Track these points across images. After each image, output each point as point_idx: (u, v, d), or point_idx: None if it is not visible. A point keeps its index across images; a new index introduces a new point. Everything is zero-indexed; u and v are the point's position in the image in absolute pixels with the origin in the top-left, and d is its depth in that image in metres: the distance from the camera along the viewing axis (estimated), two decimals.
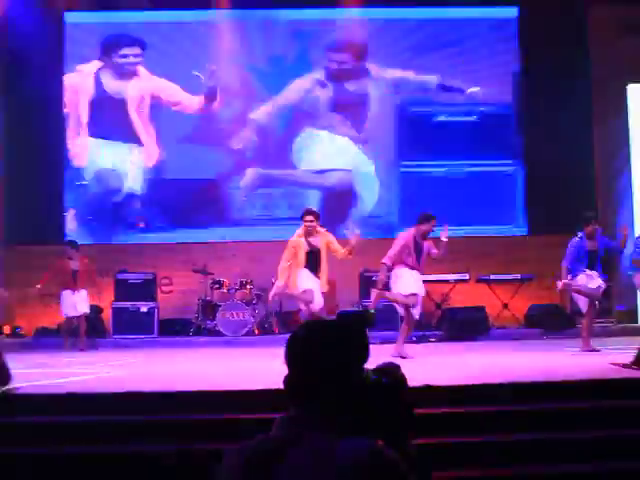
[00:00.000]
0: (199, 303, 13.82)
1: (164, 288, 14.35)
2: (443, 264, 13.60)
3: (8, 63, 14.98)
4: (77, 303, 12.12)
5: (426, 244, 10.11)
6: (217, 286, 13.75)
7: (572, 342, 11.14)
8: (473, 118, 15.34)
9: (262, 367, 8.35)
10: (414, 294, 9.84)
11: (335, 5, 14.98)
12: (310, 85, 15.16)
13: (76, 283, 12.12)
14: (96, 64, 15.29)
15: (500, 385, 6.79)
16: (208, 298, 13.74)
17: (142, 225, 14.83)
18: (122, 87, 15.26)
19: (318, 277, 10.21)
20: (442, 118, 15.32)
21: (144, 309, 13.43)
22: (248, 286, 13.65)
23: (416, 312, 10.06)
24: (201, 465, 4.05)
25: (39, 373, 8.62)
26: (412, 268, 9.89)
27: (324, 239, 10.23)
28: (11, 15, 14.31)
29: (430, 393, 6.35)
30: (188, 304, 14.14)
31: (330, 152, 15.27)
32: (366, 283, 13.60)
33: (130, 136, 15.19)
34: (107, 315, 13.60)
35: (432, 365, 8.89)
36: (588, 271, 10.28)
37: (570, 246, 10.42)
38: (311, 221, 10.19)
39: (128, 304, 13.32)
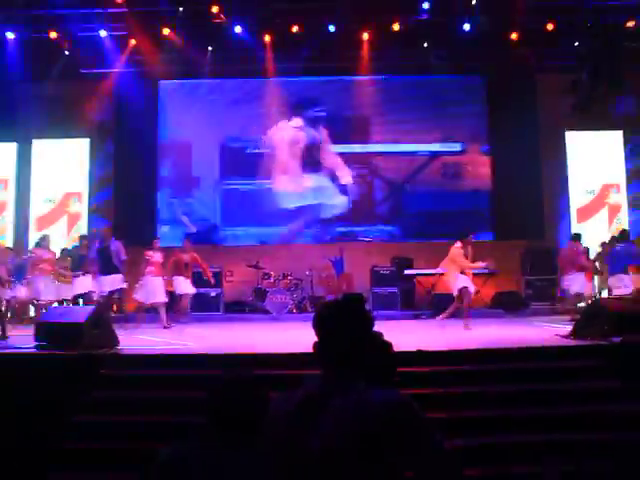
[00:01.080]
0: (253, 289, 13.87)
1: (228, 278, 14.36)
2: (432, 262, 13.69)
3: (116, 114, 15.16)
4: (187, 287, 11.73)
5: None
6: (266, 277, 13.79)
7: (525, 319, 11.13)
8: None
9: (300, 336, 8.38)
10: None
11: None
12: None
13: (187, 271, 11.74)
14: (293, 121, 15.17)
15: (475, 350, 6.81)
16: (259, 286, 13.76)
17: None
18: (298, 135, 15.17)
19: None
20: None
21: (213, 294, 13.45)
22: (289, 277, 13.70)
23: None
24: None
25: (138, 339, 8.70)
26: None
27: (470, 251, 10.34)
28: (119, 79, 14.55)
29: (421, 356, 6.38)
30: (245, 290, 14.17)
31: None
32: (376, 275, 13.65)
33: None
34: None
35: (423, 335, 8.89)
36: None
37: (616, 250, 10.67)
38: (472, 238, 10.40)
39: (202, 290, 13.32)
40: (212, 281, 12.53)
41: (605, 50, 12.09)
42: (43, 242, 11.56)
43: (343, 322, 1.91)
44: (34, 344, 7.29)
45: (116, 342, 7.50)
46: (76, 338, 7.00)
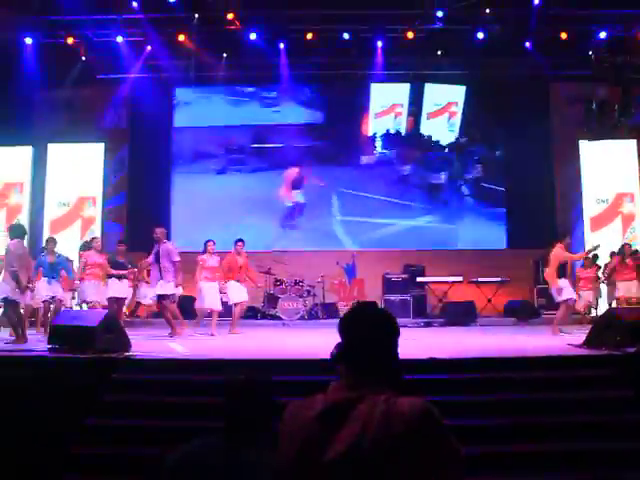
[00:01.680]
0: (265, 296, 13.84)
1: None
2: (444, 270, 13.71)
3: (131, 119, 15.27)
4: (241, 294, 11.05)
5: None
6: (278, 283, 13.78)
7: (537, 328, 11.06)
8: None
9: (318, 342, 8.33)
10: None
11: None
12: None
13: (240, 275, 11.05)
14: None
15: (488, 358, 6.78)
16: (271, 292, 13.76)
17: None
18: None
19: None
20: None
21: (225, 300, 13.37)
22: (300, 284, 13.68)
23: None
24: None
25: (150, 344, 8.69)
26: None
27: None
28: (135, 85, 14.65)
29: (433, 364, 6.35)
30: (257, 296, 14.12)
31: None
32: (388, 282, 13.64)
33: None
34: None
35: (435, 344, 8.84)
36: None
37: None
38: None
39: None
40: (257, 286, 12.28)
41: (614, 82, 12.13)
42: (93, 244, 10.76)
43: (372, 327, 1.87)
44: (48, 347, 7.32)
45: (128, 346, 7.50)
46: (89, 342, 7.01)
